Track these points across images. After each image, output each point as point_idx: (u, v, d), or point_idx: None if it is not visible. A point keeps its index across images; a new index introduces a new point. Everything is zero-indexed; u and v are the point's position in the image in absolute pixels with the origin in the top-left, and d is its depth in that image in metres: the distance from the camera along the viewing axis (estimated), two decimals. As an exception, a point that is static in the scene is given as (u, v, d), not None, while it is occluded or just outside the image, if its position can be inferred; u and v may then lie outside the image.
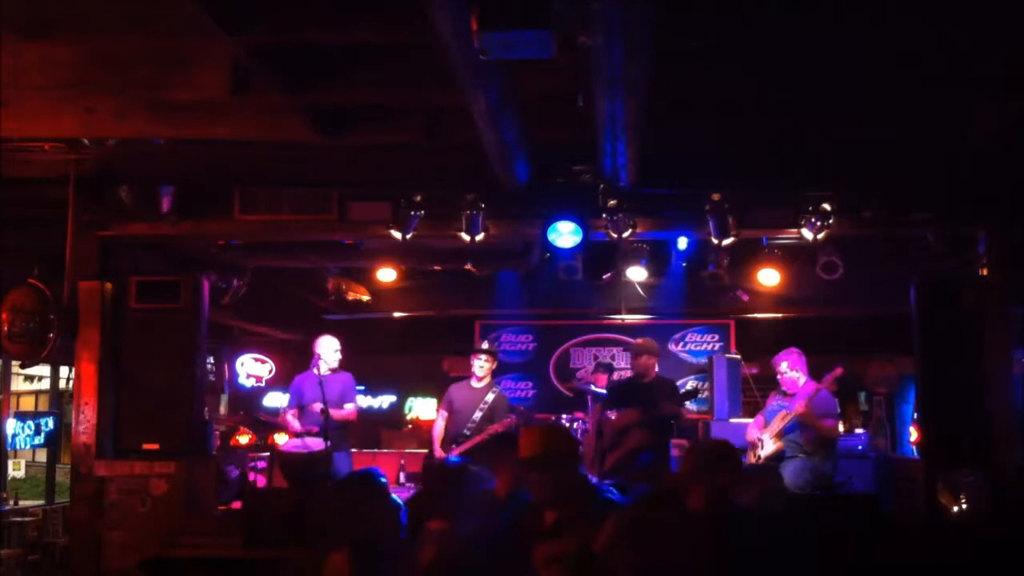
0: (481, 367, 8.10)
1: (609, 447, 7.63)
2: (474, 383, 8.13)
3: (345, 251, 8.48)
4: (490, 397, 8.01)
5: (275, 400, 11.77)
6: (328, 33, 4.64)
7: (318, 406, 7.40)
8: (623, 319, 11.29)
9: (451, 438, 7.92)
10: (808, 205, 6.56)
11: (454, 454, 7.64)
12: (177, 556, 6.11)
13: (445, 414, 8.12)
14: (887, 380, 11.48)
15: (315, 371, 7.71)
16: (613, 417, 7.80)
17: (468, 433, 7.85)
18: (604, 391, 8.60)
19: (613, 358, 11.06)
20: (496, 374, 11.64)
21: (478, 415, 7.91)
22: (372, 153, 6.41)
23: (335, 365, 7.87)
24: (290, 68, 5.00)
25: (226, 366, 11.58)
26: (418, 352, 8.15)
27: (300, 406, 7.93)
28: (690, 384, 9.87)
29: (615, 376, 9.23)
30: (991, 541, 5.85)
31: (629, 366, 11.17)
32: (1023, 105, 5.50)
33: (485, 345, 8.26)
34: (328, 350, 7.85)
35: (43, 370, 15.55)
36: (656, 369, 8.11)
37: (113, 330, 6.70)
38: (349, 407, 7.92)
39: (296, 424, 7.84)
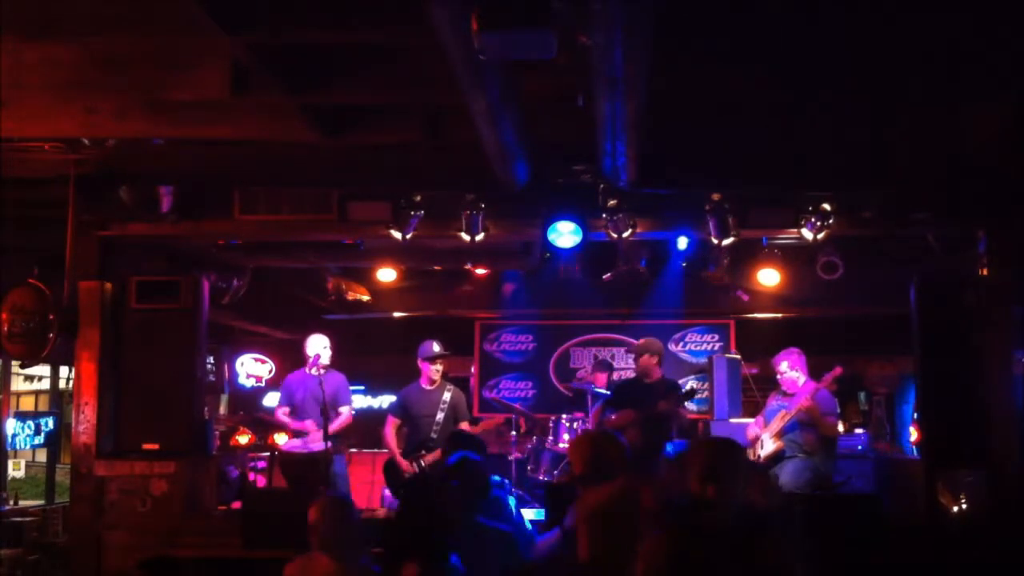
0: (438, 371, 7.80)
1: None
2: (426, 386, 7.84)
3: (345, 251, 8.47)
4: (447, 396, 7.78)
5: (275, 400, 11.75)
6: (328, 33, 4.64)
7: (313, 425, 7.41)
8: (623, 319, 11.29)
9: (416, 444, 7.71)
10: (808, 205, 6.56)
11: (425, 461, 7.55)
12: (177, 556, 6.10)
13: (397, 421, 7.87)
14: (887, 380, 11.49)
15: (314, 371, 7.70)
16: (613, 418, 7.80)
17: (435, 437, 7.63)
18: (604, 390, 8.59)
19: (613, 358, 11.06)
20: (496, 374, 11.74)
21: (441, 417, 7.70)
22: (372, 153, 6.41)
23: (327, 363, 7.85)
24: (290, 68, 5.01)
25: (226, 366, 11.58)
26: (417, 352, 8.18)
27: (291, 406, 7.91)
28: (690, 384, 9.86)
29: (615, 375, 9.21)
30: (991, 541, 5.85)
31: (631, 366, 11.21)
32: (1022, 105, 5.50)
33: (439, 349, 7.81)
34: (324, 348, 7.84)
35: (43, 370, 15.55)
36: (659, 369, 8.08)
37: (113, 330, 6.70)
38: (344, 410, 7.88)
39: (290, 421, 7.84)
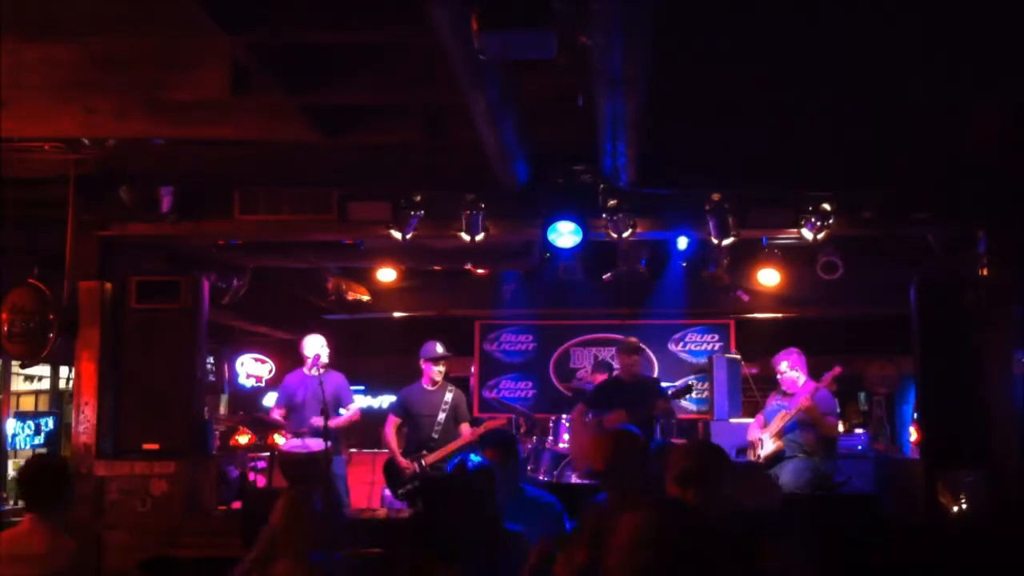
0: (440, 372, 7.80)
1: None
2: (428, 386, 7.84)
3: (345, 251, 8.48)
4: (449, 397, 7.78)
5: (275, 400, 11.77)
6: (328, 33, 4.64)
7: (317, 420, 7.41)
8: (623, 319, 11.29)
9: (417, 444, 7.72)
10: (808, 205, 6.56)
11: (426, 461, 7.58)
12: (177, 556, 6.11)
13: (398, 420, 7.85)
14: (887, 380, 11.49)
15: (314, 371, 7.70)
16: (611, 417, 7.78)
17: (437, 437, 7.65)
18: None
19: (613, 358, 11.05)
20: (496, 374, 11.74)
21: (442, 416, 7.71)
22: (372, 153, 6.41)
23: (327, 362, 7.85)
24: (290, 68, 5.00)
25: (226, 366, 11.57)
26: (418, 352, 8.15)
27: (290, 407, 7.91)
28: (690, 382, 9.86)
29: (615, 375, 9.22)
30: (991, 541, 5.85)
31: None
32: (1022, 105, 5.50)
33: (441, 351, 7.82)
34: (323, 348, 7.84)
35: (43, 370, 15.50)
36: (639, 368, 8.14)
37: (113, 330, 6.70)
38: (351, 408, 7.91)
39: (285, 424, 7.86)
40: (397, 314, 11.15)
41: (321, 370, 7.63)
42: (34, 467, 4.73)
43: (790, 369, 7.34)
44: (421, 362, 7.88)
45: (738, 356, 10.21)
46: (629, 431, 4.31)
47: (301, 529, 4.08)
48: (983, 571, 5.61)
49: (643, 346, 11.15)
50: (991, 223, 6.60)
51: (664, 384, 8.87)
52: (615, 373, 8.66)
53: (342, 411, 7.87)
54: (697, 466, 3.44)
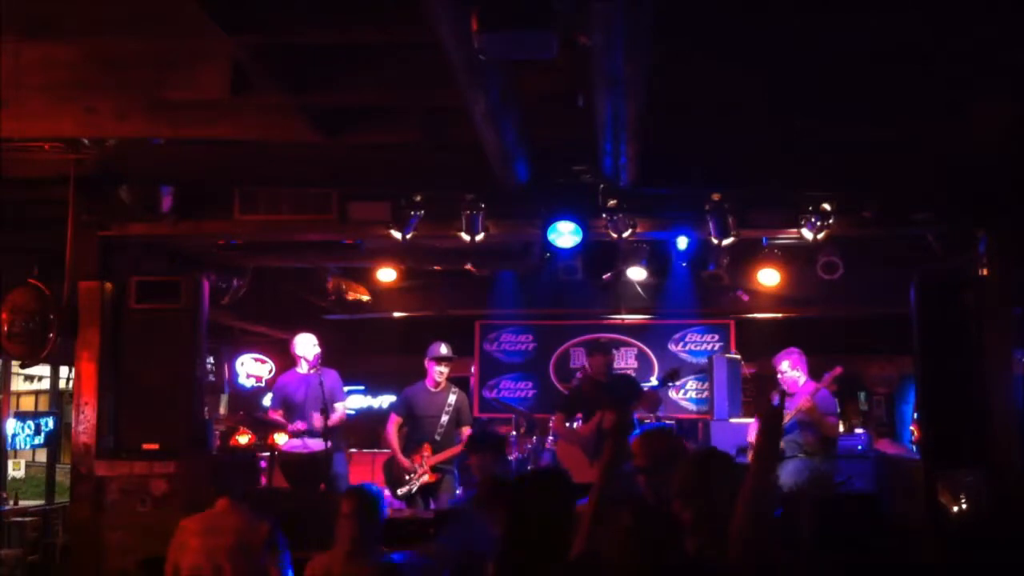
0: (442, 373, 7.86)
1: (593, 454, 7.55)
2: (431, 387, 7.89)
3: (345, 251, 8.48)
4: (452, 399, 7.84)
5: (270, 401, 11.77)
6: (328, 33, 4.64)
7: (318, 419, 7.41)
8: (623, 319, 11.29)
9: (417, 444, 7.75)
10: (808, 205, 6.56)
11: (427, 462, 7.60)
12: (177, 556, 6.10)
13: (400, 420, 7.90)
14: (887, 380, 11.50)
15: (313, 370, 7.71)
16: (607, 417, 7.77)
17: (439, 440, 7.69)
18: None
19: (612, 356, 11.05)
20: (496, 374, 11.73)
21: (445, 419, 7.75)
22: (372, 153, 6.41)
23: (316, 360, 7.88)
24: (290, 68, 5.01)
25: (226, 366, 11.57)
26: (418, 352, 8.15)
27: (288, 407, 7.90)
28: (677, 367, 9.81)
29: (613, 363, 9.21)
30: (991, 541, 5.85)
31: (632, 365, 11.21)
32: (1023, 105, 5.50)
33: (446, 351, 7.91)
34: (315, 346, 7.85)
35: (43, 370, 15.54)
36: (611, 367, 8.18)
37: (113, 330, 6.70)
38: (339, 407, 7.91)
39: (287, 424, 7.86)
40: (397, 314, 11.14)
41: (311, 369, 7.66)
42: (227, 460, 5.61)
43: (791, 369, 7.35)
44: (425, 361, 7.90)
45: (738, 356, 10.21)
46: (666, 428, 4.36)
47: (373, 523, 4.25)
48: (983, 571, 5.62)
49: (621, 338, 11.24)
50: (991, 223, 6.60)
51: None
52: (633, 373, 8.67)
53: (336, 407, 7.89)
54: (691, 480, 3.42)
